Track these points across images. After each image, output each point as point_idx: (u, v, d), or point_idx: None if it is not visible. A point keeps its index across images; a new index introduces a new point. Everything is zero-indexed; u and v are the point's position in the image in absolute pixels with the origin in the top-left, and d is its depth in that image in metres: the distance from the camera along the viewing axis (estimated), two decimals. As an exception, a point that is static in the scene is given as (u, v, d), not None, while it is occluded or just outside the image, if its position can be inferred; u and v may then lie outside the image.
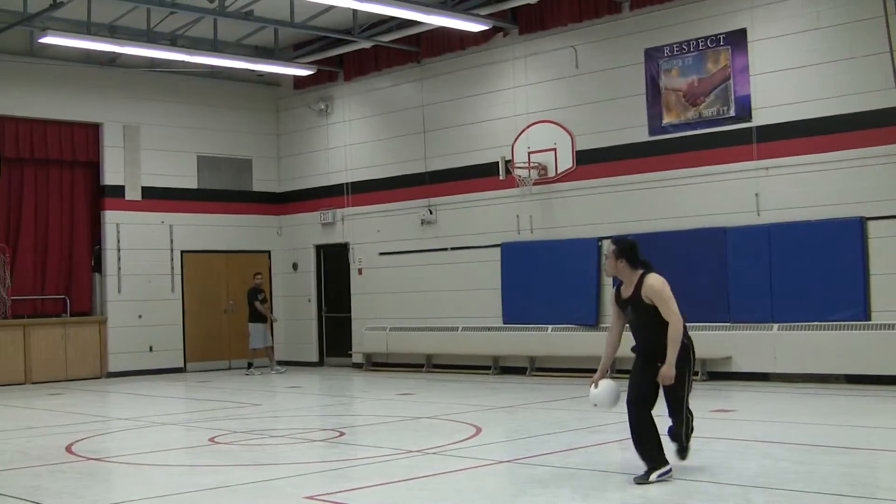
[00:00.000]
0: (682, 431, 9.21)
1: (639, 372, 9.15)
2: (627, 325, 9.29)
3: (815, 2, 17.78)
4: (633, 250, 9.07)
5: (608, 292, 19.99)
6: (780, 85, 18.12)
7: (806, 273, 17.56)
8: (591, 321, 20.22)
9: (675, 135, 19.38)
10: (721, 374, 18.34)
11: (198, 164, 25.78)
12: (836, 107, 17.44)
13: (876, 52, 16.80)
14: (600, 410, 8.82)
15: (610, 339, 9.46)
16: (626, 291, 9.10)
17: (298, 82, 26.07)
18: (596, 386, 9.25)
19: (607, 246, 8.89)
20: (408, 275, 23.81)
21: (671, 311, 8.78)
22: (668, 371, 8.73)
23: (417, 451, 11.30)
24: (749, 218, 18.31)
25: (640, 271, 8.99)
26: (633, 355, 9.38)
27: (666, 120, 19.54)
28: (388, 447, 11.69)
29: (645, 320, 8.95)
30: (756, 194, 18.27)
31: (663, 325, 8.79)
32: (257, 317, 24.30)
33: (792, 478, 9.21)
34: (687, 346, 8.96)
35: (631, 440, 9.14)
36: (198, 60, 22.41)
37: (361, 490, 9.23)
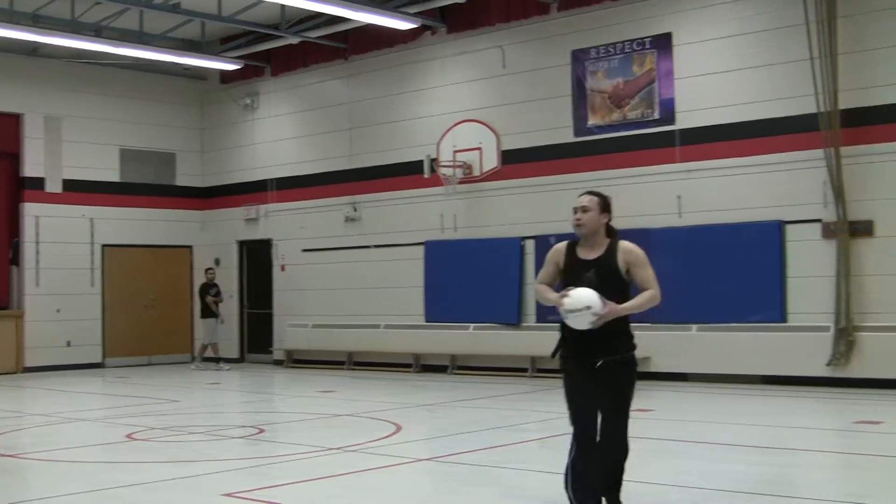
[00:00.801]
0: (619, 478, 7.41)
1: (586, 380, 7.25)
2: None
3: (739, 8, 18.00)
4: (611, 208, 7.54)
5: (531, 291, 20.10)
6: (703, 89, 18.32)
7: (725, 275, 17.77)
8: (513, 320, 20.29)
9: (599, 136, 19.51)
10: (640, 375, 18.39)
11: (120, 158, 25.47)
12: (758, 112, 17.67)
13: (798, 58, 17.04)
14: (593, 310, 6.84)
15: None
16: (590, 254, 7.31)
17: (225, 77, 25.90)
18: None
19: (584, 197, 7.40)
20: (331, 272, 23.73)
21: (655, 280, 7.37)
22: (614, 309, 6.98)
23: (337, 449, 11.26)
24: (671, 220, 18.49)
25: (610, 238, 7.40)
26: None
27: (591, 121, 19.66)
28: (308, 444, 11.65)
29: (607, 292, 6.98)
30: (678, 196, 18.46)
31: (624, 300, 7.14)
32: (209, 312, 24.03)
33: (709, 477, 9.31)
34: (633, 339, 7.46)
35: (569, 477, 7.39)
36: (123, 52, 22.13)
37: (281, 487, 9.18)
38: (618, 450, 7.36)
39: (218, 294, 24.20)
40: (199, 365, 24.12)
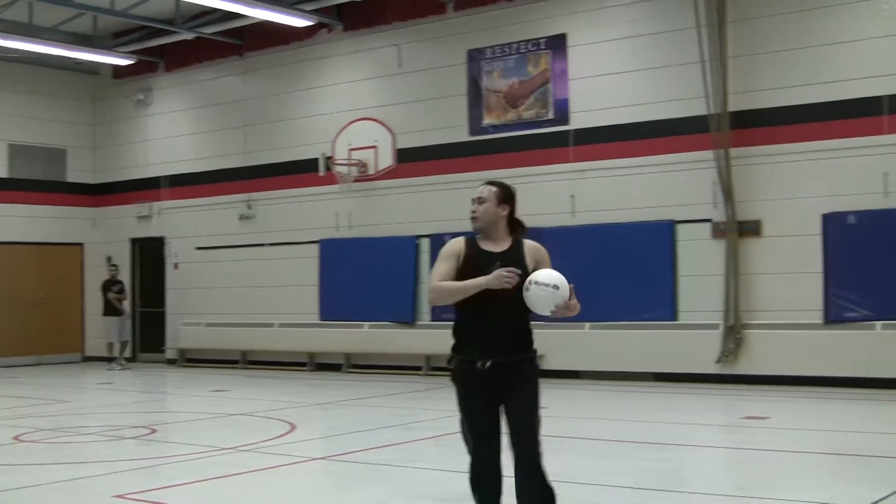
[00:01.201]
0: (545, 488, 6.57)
1: (483, 392, 6.29)
2: (472, 300, 6.31)
3: (632, 11, 18.24)
4: (515, 200, 6.71)
5: (426, 290, 20.10)
6: (597, 90, 18.53)
7: (618, 274, 17.99)
8: (408, 319, 20.32)
9: (494, 136, 19.63)
10: (535, 373, 18.58)
11: (9, 153, 24.95)
12: (650, 113, 17.93)
13: (689, 61, 17.32)
14: (560, 293, 6.21)
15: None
16: (495, 248, 6.50)
17: (117, 72, 25.51)
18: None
19: (483, 187, 6.68)
20: (225, 270, 23.53)
21: None
22: (576, 304, 6.35)
23: (231, 449, 11.18)
24: (564, 219, 18.66)
25: (513, 236, 6.63)
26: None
27: (486, 121, 19.77)
28: (201, 444, 11.54)
29: (512, 292, 6.20)
30: (572, 196, 18.65)
31: (527, 307, 6.33)
32: (111, 310, 23.60)
33: (602, 473, 9.44)
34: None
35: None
36: (11, 45, 21.68)
37: (173, 488, 9.09)
38: (536, 485, 6.45)
39: (122, 291, 23.82)
40: (122, 364, 23.58)
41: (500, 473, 6.46)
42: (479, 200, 6.64)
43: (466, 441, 6.42)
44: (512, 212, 6.66)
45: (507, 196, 6.66)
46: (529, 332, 6.57)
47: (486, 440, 6.33)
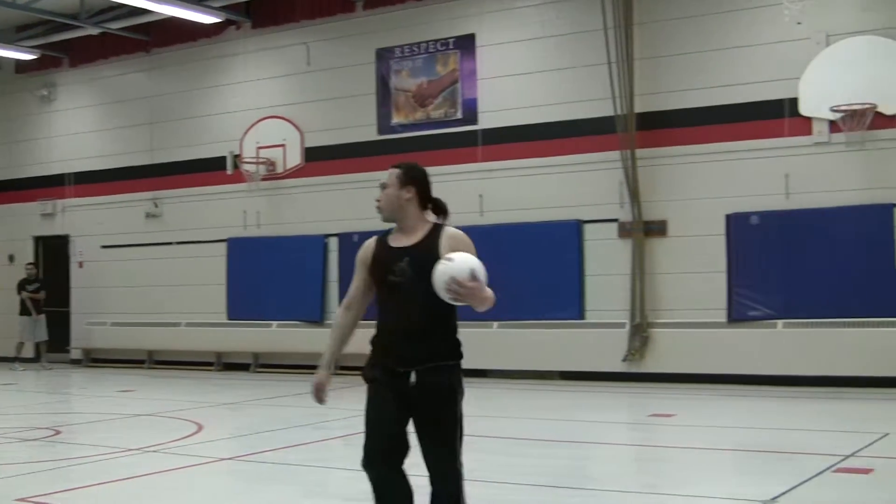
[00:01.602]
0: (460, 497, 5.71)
1: (387, 400, 5.61)
2: (381, 303, 5.84)
3: (540, 12, 18.37)
4: (427, 179, 5.90)
5: (334, 289, 20.12)
6: (505, 90, 18.63)
7: (525, 273, 18.09)
8: (317, 318, 20.25)
9: (403, 135, 19.65)
10: (443, 371, 18.63)
11: None
12: (558, 113, 18.08)
13: (596, 62, 17.48)
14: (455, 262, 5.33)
15: (343, 322, 6.05)
16: (405, 241, 5.70)
17: (20, 67, 25.04)
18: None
19: (389, 173, 5.83)
20: (131, 269, 23.24)
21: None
22: (477, 287, 5.39)
23: (137, 450, 11.06)
24: (472, 218, 18.70)
25: (433, 220, 5.82)
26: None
27: (395, 120, 19.78)
28: (106, 446, 11.40)
29: (428, 289, 5.40)
30: (480, 196, 18.73)
31: (450, 306, 5.60)
32: (24, 309, 23.16)
33: (510, 471, 9.49)
34: (459, 348, 5.84)
35: None
36: None
37: (78, 490, 8.98)
38: None
39: (39, 290, 23.38)
40: (46, 365, 23.11)
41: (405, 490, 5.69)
42: (382, 186, 5.80)
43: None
44: (422, 194, 5.78)
45: (411, 176, 5.78)
46: (447, 339, 5.71)
47: (382, 454, 5.60)
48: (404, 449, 5.59)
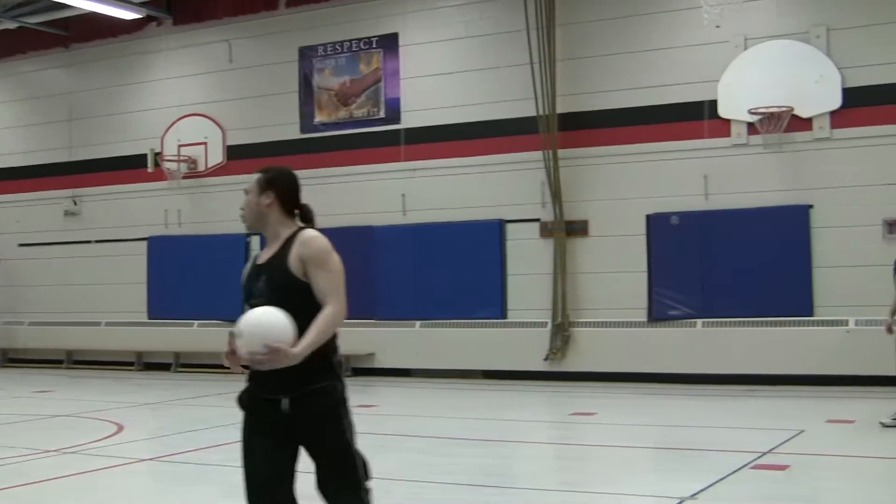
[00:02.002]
0: None
1: (259, 430, 5.18)
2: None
3: (463, 12, 18.42)
4: (292, 183, 5.34)
5: (257, 288, 20.00)
6: (428, 89, 18.66)
7: (448, 272, 18.15)
8: (237, 317, 20.06)
9: (326, 133, 19.60)
10: (365, 371, 18.68)
11: None
12: (481, 113, 18.14)
13: (518, 63, 17.56)
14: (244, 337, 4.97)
15: None
16: (266, 254, 5.28)
17: (-66, 61, 24.62)
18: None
19: (253, 178, 5.39)
20: (49, 267, 22.92)
21: (338, 289, 5.12)
22: (286, 355, 4.78)
23: (55, 451, 10.93)
24: (396, 218, 18.75)
25: (298, 225, 5.28)
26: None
27: (318, 118, 19.73)
28: (24, 447, 11.24)
29: (283, 305, 4.92)
30: (403, 195, 18.74)
31: (312, 319, 4.93)
32: None
33: (433, 470, 9.52)
34: (337, 369, 5.21)
35: None
36: None
37: (-5, 491, 8.86)
38: None
39: None
40: None
41: None
42: (245, 192, 5.34)
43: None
44: (284, 199, 5.23)
45: (270, 181, 5.25)
46: (319, 361, 4.99)
47: (261, 489, 5.19)
48: (286, 479, 5.13)
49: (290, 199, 5.26)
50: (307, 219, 5.33)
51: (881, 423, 11.32)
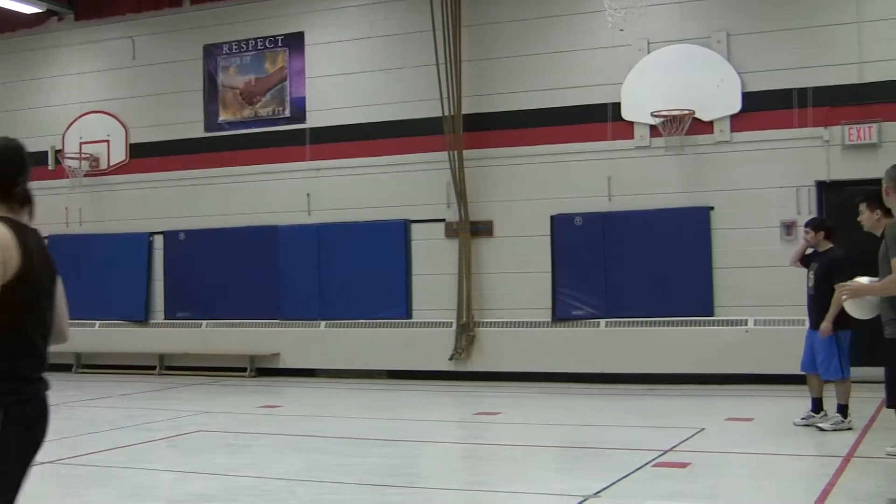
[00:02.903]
0: None
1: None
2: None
3: (369, 11, 18.41)
4: (16, 154, 4.32)
5: (159, 288, 19.88)
6: (334, 89, 18.62)
7: (353, 272, 18.13)
8: (141, 317, 19.89)
9: (231, 132, 19.45)
10: (269, 371, 18.60)
11: None
12: (387, 113, 18.14)
13: (424, 63, 17.59)
14: None
15: None
16: None
17: None
18: None
19: None
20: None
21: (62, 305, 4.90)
22: None
23: (-47, 453, 10.70)
24: (300, 217, 18.68)
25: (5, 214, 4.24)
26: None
27: (223, 117, 19.58)
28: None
29: None
30: (308, 194, 18.67)
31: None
32: None
33: (337, 470, 9.52)
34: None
35: None
36: None
37: None
38: None
39: None
40: None
41: None
42: None
43: None
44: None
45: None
46: None
47: None
48: None
49: (4, 182, 4.22)
50: (26, 202, 4.30)
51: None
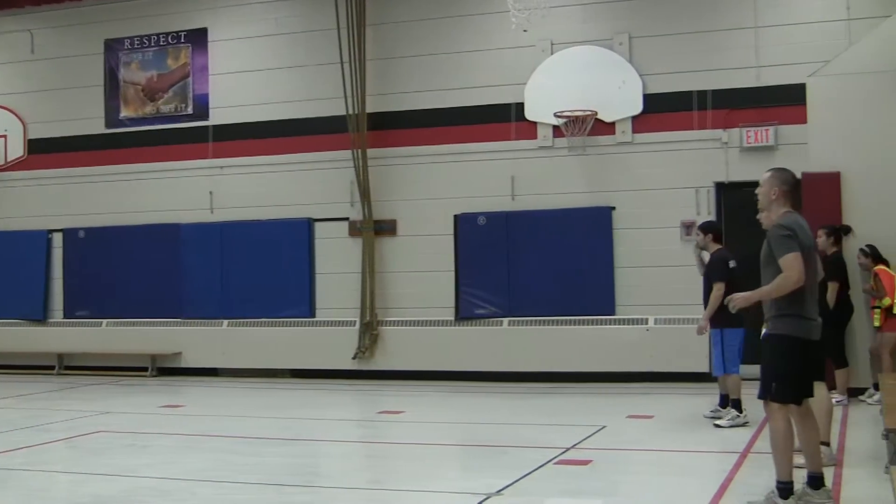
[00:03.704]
0: None
1: None
2: None
3: (274, 9, 18.32)
4: None
5: (58, 287, 19.59)
6: (238, 86, 18.48)
7: (256, 271, 18.04)
8: (39, 316, 19.54)
9: (132, 129, 19.22)
10: (171, 370, 18.42)
11: None
12: (291, 111, 18.06)
13: (329, 61, 17.55)
14: None
15: None
16: None
17: None
18: None
19: None
20: None
21: None
22: None
23: None
24: (203, 215, 18.53)
25: None
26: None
27: (124, 113, 19.34)
28: None
29: None
30: (210, 192, 18.52)
31: None
32: None
33: (238, 470, 9.46)
34: None
35: None
36: None
37: None
38: None
39: None
40: None
41: None
42: None
43: None
44: None
45: None
46: None
47: None
48: None
49: None
50: None
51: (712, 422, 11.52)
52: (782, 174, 7.57)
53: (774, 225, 7.35)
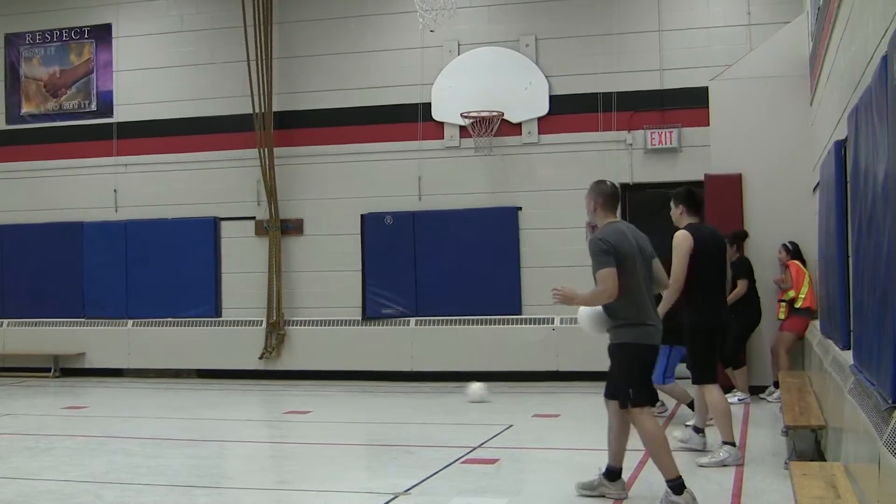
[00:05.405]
0: None
1: None
2: None
3: (179, 5, 18.16)
4: None
5: (-43, 286, 19.18)
6: (142, 83, 18.29)
7: (161, 270, 17.86)
8: (-63, 316, 19.21)
9: (34, 125, 18.92)
10: (74, 371, 18.17)
11: None
12: (197, 109, 17.92)
13: (235, 59, 17.44)
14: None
15: None
16: None
17: None
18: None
19: None
20: None
21: None
22: None
23: None
24: (107, 214, 18.31)
25: None
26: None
27: (25, 109, 19.03)
28: None
29: None
30: (114, 190, 18.31)
31: None
32: None
33: (143, 472, 9.38)
34: None
35: None
36: None
37: None
38: None
39: None
40: None
41: None
42: None
43: None
44: None
45: None
46: None
47: None
48: None
49: None
50: None
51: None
52: (598, 187, 8.15)
53: (593, 238, 7.76)
